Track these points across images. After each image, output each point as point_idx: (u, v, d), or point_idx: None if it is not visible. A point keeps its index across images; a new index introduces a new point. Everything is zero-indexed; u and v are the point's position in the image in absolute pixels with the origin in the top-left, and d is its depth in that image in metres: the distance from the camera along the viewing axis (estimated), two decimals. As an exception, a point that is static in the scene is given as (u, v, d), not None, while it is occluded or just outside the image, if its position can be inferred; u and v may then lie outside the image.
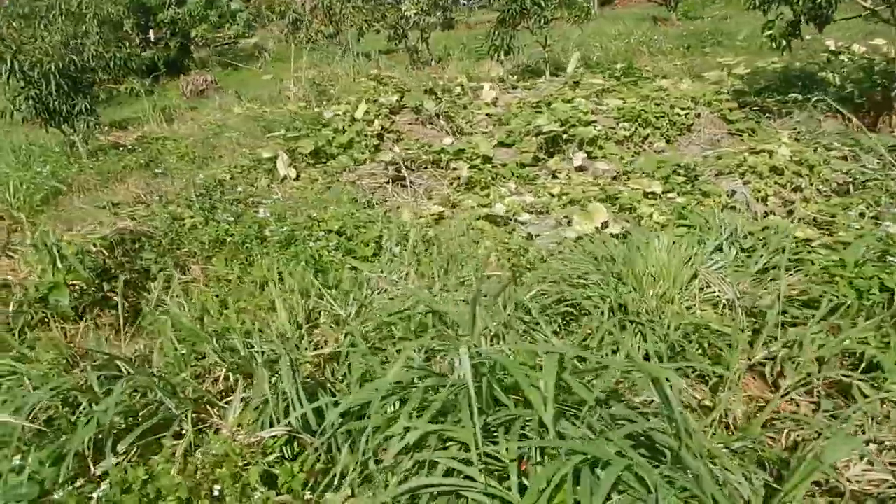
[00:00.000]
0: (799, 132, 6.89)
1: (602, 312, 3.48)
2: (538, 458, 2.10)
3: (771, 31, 7.39)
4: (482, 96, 9.24)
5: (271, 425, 2.82)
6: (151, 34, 19.41)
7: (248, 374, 3.27)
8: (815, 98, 7.39)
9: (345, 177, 7.07)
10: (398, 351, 3.29)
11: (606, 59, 13.07)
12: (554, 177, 6.65)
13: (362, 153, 7.76)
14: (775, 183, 5.27)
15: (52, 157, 8.72)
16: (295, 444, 2.86)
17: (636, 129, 6.94)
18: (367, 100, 8.39)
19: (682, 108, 7.13)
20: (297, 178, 7.50)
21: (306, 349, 3.51)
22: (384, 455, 2.33)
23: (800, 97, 7.76)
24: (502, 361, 2.34)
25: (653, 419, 2.34)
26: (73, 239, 4.83)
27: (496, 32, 11.52)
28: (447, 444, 2.27)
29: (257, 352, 3.48)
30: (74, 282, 4.76)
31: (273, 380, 2.95)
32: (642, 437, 2.19)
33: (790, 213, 5.17)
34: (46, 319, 4.88)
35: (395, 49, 17.82)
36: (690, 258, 3.63)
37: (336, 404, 2.67)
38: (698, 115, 7.16)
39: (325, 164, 7.70)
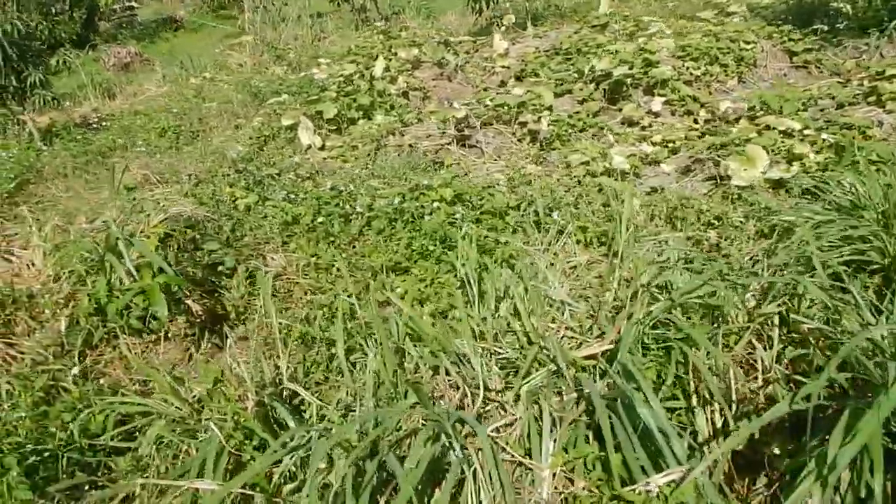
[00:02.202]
0: (865, 60, 6.55)
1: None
2: None
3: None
4: (494, 47, 8.42)
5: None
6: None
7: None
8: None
9: (392, 140, 6.15)
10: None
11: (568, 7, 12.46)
12: (630, 125, 6.01)
13: (389, 114, 6.86)
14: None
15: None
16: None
17: (705, 68, 6.38)
18: (385, 56, 7.41)
19: (747, 42, 6.63)
20: (322, 147, 6.52)
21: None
22: None
23: (827, 27, 7.42)
24: None
25: None
26: (154, 230, 3.75)
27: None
28: None
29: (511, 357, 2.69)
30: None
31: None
32: None
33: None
34: (109, 335, 3.86)
35: (337, 10, 16.55)
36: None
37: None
38: (762, 50, 6.68)
39: (350, 129, 6.75)
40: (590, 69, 6.62)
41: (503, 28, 10.44)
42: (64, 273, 4.43)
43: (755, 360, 2.70)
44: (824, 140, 4.60)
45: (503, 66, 8.03)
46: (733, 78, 6.40)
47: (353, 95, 7.00)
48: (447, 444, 2.26)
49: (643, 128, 5.85)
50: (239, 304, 4.11)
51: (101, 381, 3.55)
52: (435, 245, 3.99)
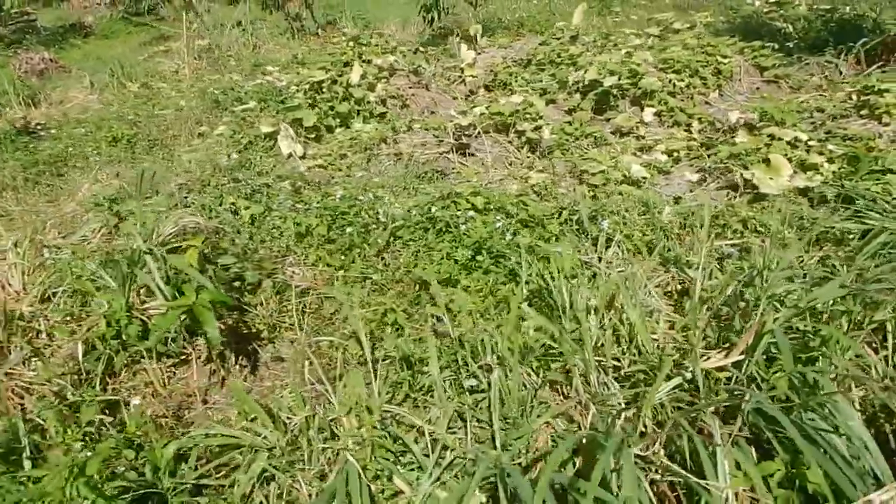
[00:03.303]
0: (828, 76, 6.90)
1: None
2: None
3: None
4: (461, 57, 8.32)
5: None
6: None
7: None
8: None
9: (384, 149, 5.90)
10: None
11: (512, 21, 12.58)
12: (621, 135, 6.03)
13: (367, 122, 6.62)
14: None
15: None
16: None
17: (688, 80, 6.51)
18: (360, 62, 7.14)
19: (724, 56, 6.83)
20: (303, 155, 6.18)
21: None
22: None
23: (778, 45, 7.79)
24: None
25: None
26: (191, 244, 3.35)
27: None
28: None
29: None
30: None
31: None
32: None
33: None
34: (132, 360, 3.44)
35: (269, 18, 16.03)
36: None
37: None
38: (738, 64, 6.89)
39: (328, 137, 6.45)
40: (575, 79, 6.61)
41: (458, 39, 10.37)
42: (52, 293, 3.95)
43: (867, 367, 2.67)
44: (831, 151, 4.74)
45: (471, 76, 7.94)
46: (714, 90, 6.56)
47: (331, 102, 6.69)
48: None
49: (638, 137, 5.87)
50: (269, 322, 3.76)
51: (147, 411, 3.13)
52: (482, 255, 3.79)
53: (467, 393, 2.81)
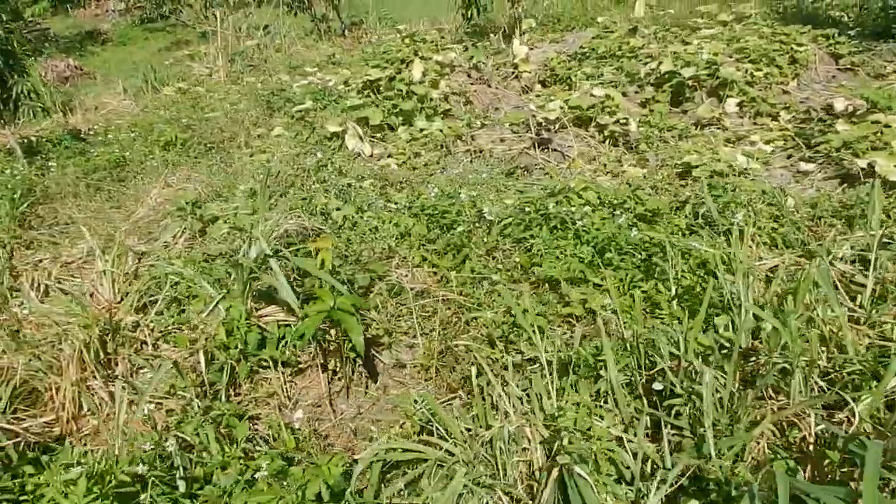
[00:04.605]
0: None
1: None
2: None
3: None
4: (514, 52, 8.09)
5: None
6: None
7: None
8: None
9: (460, 146, 5.68)
10: None
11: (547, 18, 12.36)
12: (701, 126, 5.80)
13: (430, 120, 6.39)
14: None
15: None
16: None
17: (765, 69, 6.29)
18: (421, 58, 6.92)
19: (799, 45, 6.61)
20: (371, 154, 5.97)
21: None
22: None
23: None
24: None
25: None
26: (321, 245, 3.12)
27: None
28: None
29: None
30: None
31: None
32: None
33: None
34: (256, 370, 3.22)
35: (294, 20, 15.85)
36: None
37: None
38: (813, 53, 6.68)
39: (395, 135, 6.24)
40: (647, 71, 6.39)
41: (498, 35, 10.14)
42: (148, 301, 3.73)
43: None
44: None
45: (526, 72, 7.72)
46: (793, 79, 6.34)
47: (393, 101, 6.48)
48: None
49: (722, 129, 5.65)
50: (386, 327, 3.53)
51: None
52: (611, 252, 3.57)
53: (643, 398, 2.59)
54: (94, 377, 3.28)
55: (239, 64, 11.06)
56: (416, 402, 2.74)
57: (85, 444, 3.02)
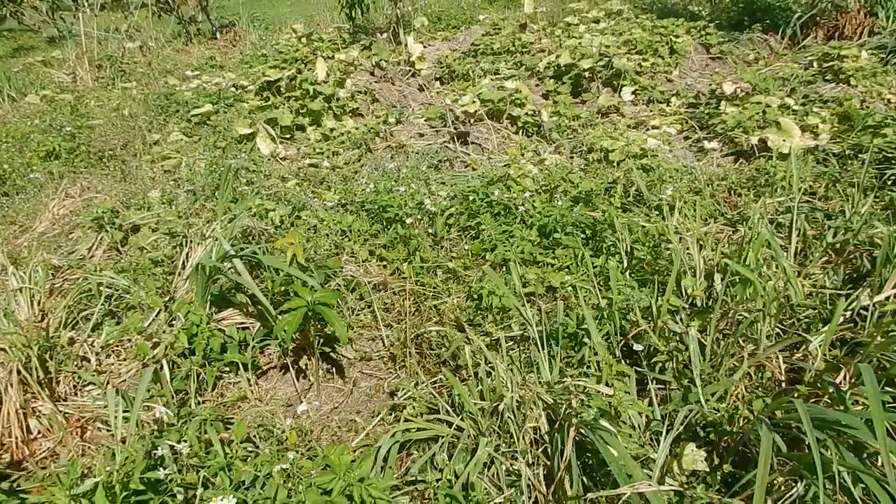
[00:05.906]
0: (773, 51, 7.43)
1: None
2: None
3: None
4: (409, 50, 8.21)
5: None
6: None
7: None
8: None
9: (378, 143, 5.72)
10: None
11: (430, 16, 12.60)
12: (603, 115, 6.20)
13: (339, 119, 6.40)
14: (878, 84, 5.57)
15: None
16: None
17: (651, 59, 6.79)
18: (324, 57, 6.87)
19: (676, 36, 7.17)
20: (284, 157, 5.89)
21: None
22: None
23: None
24: None
25: None
26: (288, 241, 3.07)
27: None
28: None
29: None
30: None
31: None
32: None
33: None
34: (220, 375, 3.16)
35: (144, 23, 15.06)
36: None
37: None
38: (689, 43, 7.27)
39: (304, 136, 6.18)
40: (546, 64, 6.72)
41: (384, 35, 10.22)
42: (80, 316, 3.53)
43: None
44: (815, 112, 5.12)
45: (423, 69, 7.86)
46: (675, 68, 6.89)
47: (301, 101, 6.40)
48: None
49: (621, 116, 6.06)
50: (347, 321, 3.53)
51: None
52: (558, 233, 3.77)
53: (622, 361, 2.79)
54: (39, 398, 3.08)
55: (109, 69, 10.43)
56: (416, 385, 2.78)
57: (44, 468, 2.85)
